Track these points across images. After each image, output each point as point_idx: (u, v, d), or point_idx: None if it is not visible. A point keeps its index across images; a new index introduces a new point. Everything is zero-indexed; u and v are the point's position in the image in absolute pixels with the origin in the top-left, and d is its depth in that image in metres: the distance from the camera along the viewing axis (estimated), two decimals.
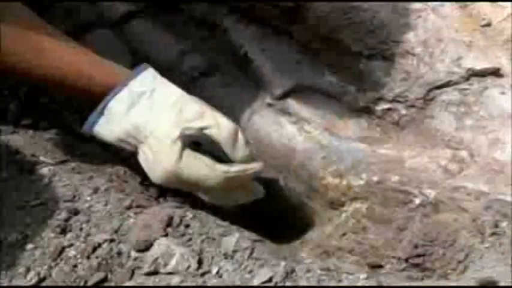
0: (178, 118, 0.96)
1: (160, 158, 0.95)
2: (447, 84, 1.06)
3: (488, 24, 1.09)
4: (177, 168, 0.95)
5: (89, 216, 0.91)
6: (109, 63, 1.00)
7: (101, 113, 0.97)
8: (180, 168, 0.95)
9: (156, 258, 0.85)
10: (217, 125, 0.97)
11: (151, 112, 0.96)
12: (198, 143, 0.97)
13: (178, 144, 0.95)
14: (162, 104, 0.97)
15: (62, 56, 0.97)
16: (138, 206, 0.94)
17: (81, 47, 1.00)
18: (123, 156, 1.08)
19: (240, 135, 0.99)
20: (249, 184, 1.02)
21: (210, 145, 0.97)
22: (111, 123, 0.97)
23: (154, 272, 0.84)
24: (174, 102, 0.97)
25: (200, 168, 0.96)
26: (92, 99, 0.98)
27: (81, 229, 0.89)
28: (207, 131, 0.96)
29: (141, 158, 0.98)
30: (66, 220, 0.90)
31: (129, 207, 0.93)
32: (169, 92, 0.98)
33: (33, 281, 0.84)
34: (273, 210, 1.11)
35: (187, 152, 0.96)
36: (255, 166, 1.00)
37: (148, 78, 0.98)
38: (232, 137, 0.97)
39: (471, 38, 1.08)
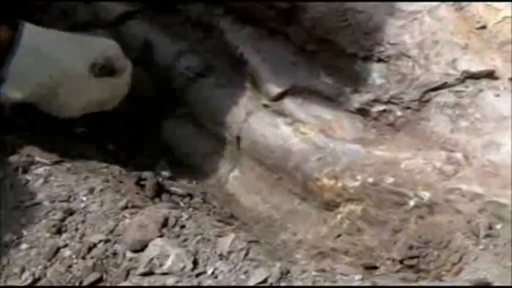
0: (82, 53, 1.08)
1: (81, 91, 1.08)
2: (442, 86, 1.07)
3: (484, 27, 1.09)
4: (97, 93, 1.10)
5: (84, 217, 0.91)
6: None
7: (2, 80, 1.03)
8: (99, 91, 1.10)
9: (152, 259, 0.85)
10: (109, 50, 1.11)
11: (54, 59, 1.05)
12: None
13: (92, 77, 1.08)
14: (59, 48, 1.06)
15: None
16: (133, 207, 0.94)
17: None
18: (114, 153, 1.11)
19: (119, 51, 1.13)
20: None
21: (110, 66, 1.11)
22: (22, 82, 1.04)
23: (150, 273, 0.84)
24: (68, 41, 1.09)
25: (113, 84, 1.12)
26: None
27: (76, 229, 0.90)
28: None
29: (60, 101, 1.07)
30: (62, 220, 0.90)
31: (124, 208, 0.93)
32: (58, 35, 1.09)
33: (28, 281, 0.84)
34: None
35: (100, 80, 1.09)
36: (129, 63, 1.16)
37: (32, 29, 1.05)
38: (119, 49, 1.13)
39: (466, 40, 1.08)
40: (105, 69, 1.10)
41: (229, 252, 0.86)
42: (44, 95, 1.06)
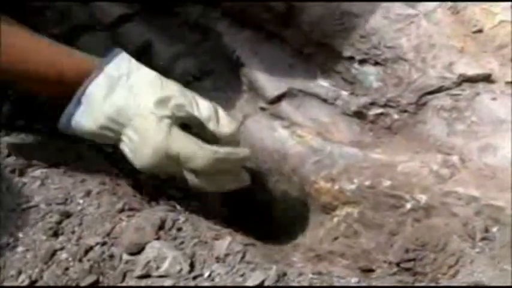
0: (161, 95, 0.93)
1: (148, 135, 0.91)
2: (439, 90, 1.07)
3: (480, 31, 1.10)
4: (166, 144, 0.91)
5: (81, 219, 0.91)
6: (80, 52, 0.97)
7: (79, 103, 0.93)
8: (169, 145, 0.91)
9: (148, 262, 0.85)
10: (197, 104, 0.95)
11: (131, 93, 0.93)
12: (184, 125, 0.94)
13: (166, 120, 0.92)
14: (141, 84, 0.94)
15: (28, 47, 0.94)
16: (130, 209, 0.94)
17: (49, 39, 0.96)
18: (111, 156, 1.08)
19: (222, 113, 0.97)
20: (237, 169, 0.99)
21: (198, 126, 0.95)
22: (91, 111, 0.92)
23: (146, 275, 0.84)
24: (152, 81, 0.95)
25: (189, 145, 0.92)
26: (65, 90, 0.93)
27: (73, 232, 0.89)
28: (189, 110, 0.94)
29: (125, 144, 0.94)
30: (58, 223, 0.90)
31: (121, 210, 0.93)
32: (146, 73, 0.96)
33: (25, 284, 0.84)
34: (256, 201, 1.10)
35: (176, 129, 0.92)
36: (243, 150, 0.98)
37: (123, 62, 0.95)
38: (214, 115, 0.96)
39: (463, 44, 1.08)
40: (183, 118, 0.94)
41: (226, 255, 0.86)
42: (110, 131, 0.94)
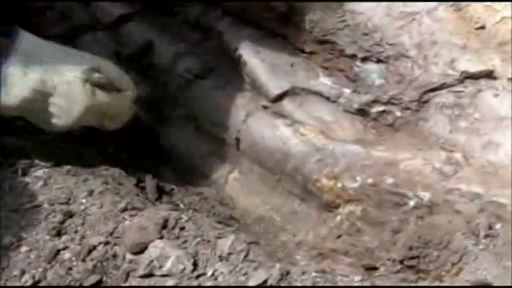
0: (78, 63, 1.04)
1: (76, 98, 1.02)
2: (441, 87, 1.07)
3: (482, 27, 1.09)
4: (93, 102, 1.03)
5: (84, 219, 0.91)
6: None
7: None
8: (95, 101, 1.04)
9: (151, 261, 0.85)
10: (107, 65, 1.08)
11: (48, 65, 1.01)
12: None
13: (89, 84, 1.04)
14: (53, 56, 1.03)
15: None
16: (133, 209, 0.94)
17: None
18: (113, 155, 1.10)
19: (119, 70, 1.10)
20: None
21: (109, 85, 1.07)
22: (13, 88, 0.99)
23: (150, 275, 0.84)
24: (64, 52, 1.05)
25: (111, 100, 1.06)
26: None
27: (76, 231, 0.90)
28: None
29: (52, 110, 1.02)
30: (61, 223, 0.90)
31: (124, 210, 0.93)
32: (55, 46, 1.05)
33: (28, 284, 0.84)
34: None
35: (98, 90, 1.05)
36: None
37: (28, 40, 1.02)
38: (118, 70, 1.10)
39: (465, 40, 1.08)
40: (102, 80, 1.06)
41: (229, 254, 0.86)
42: (35, 102, 1.01)
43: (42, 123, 1.04)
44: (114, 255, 0.87)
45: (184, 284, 0.82)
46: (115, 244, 0.88)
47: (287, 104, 1.16)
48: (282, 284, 0.82)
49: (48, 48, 1.04)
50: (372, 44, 1.12)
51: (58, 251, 0.87)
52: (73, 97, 1.02)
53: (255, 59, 1.20)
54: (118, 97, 1.08)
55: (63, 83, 1.02)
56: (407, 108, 1.08)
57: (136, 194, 1.00)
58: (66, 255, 0.86)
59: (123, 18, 1.33)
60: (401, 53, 1.10)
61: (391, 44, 1.11)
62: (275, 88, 1.17)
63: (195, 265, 0.85)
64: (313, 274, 0.85)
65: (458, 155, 1.01)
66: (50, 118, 1.03)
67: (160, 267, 0.84)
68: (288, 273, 0.84)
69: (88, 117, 1.05)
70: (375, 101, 1.11)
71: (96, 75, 1.05)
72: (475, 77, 1.05)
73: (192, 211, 0.99)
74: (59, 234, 0.89)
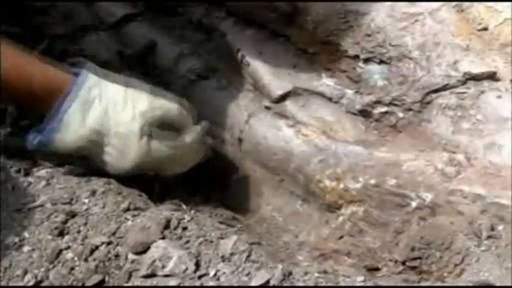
0: (134, 112, 1.00)
1: (128, 152, 1.00)
2: (444, 88, 1.07)
3: (485, 29, 1.09)
4: (148, 158, 1.01)
5: (86, 219, 0.91)
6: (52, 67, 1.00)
7: (54, 127, 0.97)
8: (150, 157, 1.01)
9: (154, 261, 0.85)
10: (168, 109, 1.04)
11: (106, 114, 0.99)
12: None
13: (144, 137, 1.00)
14: (114, 103, 0.99)
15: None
16: (135, 209, 0.94)
17: (20, 49, 0.99)
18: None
19: (185, 109, 1.06)
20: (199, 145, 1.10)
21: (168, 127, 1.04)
22: (68, 134, 0.97)
23: (152, 275, 0.84)
24: (124, 99, 1.00)
25: (168, 150, 1.03)
26: (34, 104, 0.98)
27: (78, 231, 0.90)
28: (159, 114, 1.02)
29: (106, 158, 1.01)
30: (64, 222, 0.90)
31: (126, 210, 0.93)
32: (116, 90, 1.01)
33: (31, 284, 0.84)
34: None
35: (153, 142, 1.01)
36: (203, 124, 1.09)
37: (92, 79, 1.00)
38: (181, 113, 1.05)
39: (468, 42, 1.08)
40: (161, 130, 1.03)
41: (231, 254, 0.86)
42: (90, 150, 1.00)
43: (101, 165, 1.02)
44: (117, 255, 0.86)
45: (186, 284, 0.82)
46: (117, 244, 0.88)
47: (289, 105, 1.16)
48: (284, 285, 0.82)
49: (109, 92, 1.00)
50: (375, 45, 1.12)
51: (60, 250, 0.87)
52: (126, 149, 1.00)
53: (258, 59, 1.20)
54: (179, 143, 1.05)
55: (117, 135, 0.99)
56: (410, 109, 1.08)
57: (138, 194, 1.00)
58: (69, 255, 0.86)
59: (126, 19, 1.33)
60: (404, 54, 1.10)
61: (393, 45, 1.11)
62: (278, 89, 1.17)
63: (198, 265, 0.85)
64: (316, 275, 0.85)
65: (460, 156, 1.01)
66: (106, 163, 1.02)
67: (163, 267, 0.84)
68: (290, 273, 0.84)
69: (143, 168, 1.03)
70: (378, 102, 1.11)
71: (155, 123, 1.02)
72: (477, 78, 1.05)
73: (194, 211, 0.99)
74: (61, 234, 0.89)
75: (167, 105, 1.04)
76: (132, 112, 1.00)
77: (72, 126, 0.97)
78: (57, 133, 0.97)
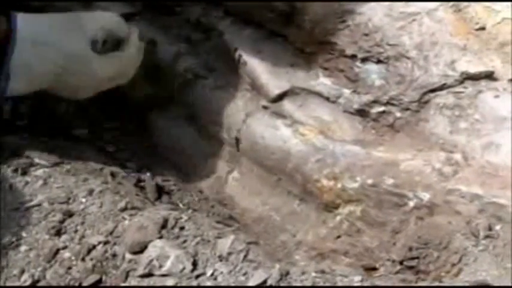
0: (80, 32, 1.06)
1: (89, 71, 1.05)
2: (442, 88, 1.07)
3: (483, 28, 1.09)
4: (107, 71, 1.07)
5: (83, 218, 0.91)
6: None
7: (7, 75, 1.00)
8: (108, 71, 1.08)
9: (151, 260, 0.85)
10: (105, 21, 1.10)
11: (53, 45, 1.03)
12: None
13: (97, 54, 1.06)
14: (54, 33, 1.04)
15: None
16: (133, 208, 0.94)
17: None
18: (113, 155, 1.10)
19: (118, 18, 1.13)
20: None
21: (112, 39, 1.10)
22: (24, 75, 1.01)
23: (149, 274, 0.84)
24: (64, 23, 1.06)
25: (121, 61, 1.10)
26: None
27: (75, 231, 0.90)
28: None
29: (61, 87, 1.05)
30: (61, 222, 0.90)
31: (124, 209, 0.93)
32: (53, 19, 1.06)
33: (28, 283, 0.84)
34: None
35: (106, 56, 1.08)
36: (135, 29, 1.15)
37: (27, 20, 1.03)
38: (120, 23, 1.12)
39: (465, 41, 1.08)
40: (108, 44, 1.08)
41: (229, 254, 0.86)
42: (52, 83, 1.04)
43: (66, 95, 1.08)
44: (114, 255, 0.86)
45: (183, 283, 0.82)
46: (114, 243, 0.88)
47: (287, 104, 1.16)
48: (281, 284, 0.82)
49: (49, 24, 1.05)
50: (372, 45, 1.12)
51: (58, 250, 0.87)
52: (85, 71, 1.05)
53: (256, 59, 1.20)
54: (126, 51, 1.11)
55: (71, 60, 1.03)
56: (408, 109, 1.08)
57: (136, 194, 1.00)
58: (66, 254, 0.86)
59: (124, 18, 1.32)
60: (402, 53, 1.10)
61: (391, 45, 1.11)
62: (275, 88, 1.17)
63: (195, 265, 0.85)
64: (313, 274, 0.85)
65: (458, 156, 1.01)
66: (70, 91, 1.07)
67: (160, 266, 0.84)
68: (287, 273, 0.84)
69: (103, 84, 1.08)
70: (375, 102, 1.11)
71: (101, 40, 1.07)
72: (475, 78, 1.05)
73: (191, 211, 0.99)
74: (58, 233, 0.89)
75: (105, 15, 1.12)
76: (77, 32, 1.05)
77: (24, 67, 1.00)
78: (12, 78, 0.99)
